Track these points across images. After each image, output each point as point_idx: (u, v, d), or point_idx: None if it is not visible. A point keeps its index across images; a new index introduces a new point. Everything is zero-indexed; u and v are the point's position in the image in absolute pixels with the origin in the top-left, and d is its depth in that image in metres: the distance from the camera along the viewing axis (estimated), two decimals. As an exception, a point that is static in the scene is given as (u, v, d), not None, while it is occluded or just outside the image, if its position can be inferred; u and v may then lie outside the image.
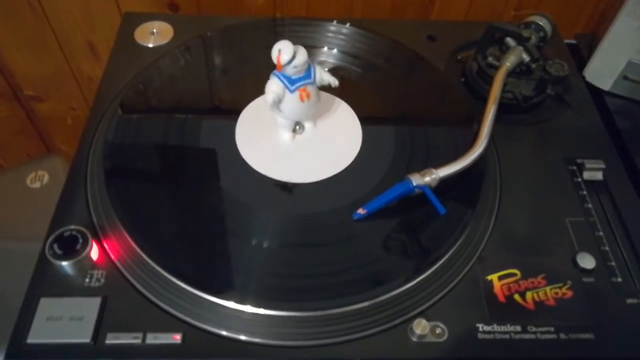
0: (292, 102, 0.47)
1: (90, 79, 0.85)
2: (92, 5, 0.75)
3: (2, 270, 0.68)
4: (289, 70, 0.45)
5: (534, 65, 0.54)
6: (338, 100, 0.55)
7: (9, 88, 0.85)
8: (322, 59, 0.59)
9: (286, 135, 0.51)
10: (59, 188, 0.48)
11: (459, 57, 0.61)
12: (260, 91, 0.55)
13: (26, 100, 0.88)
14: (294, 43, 0.45)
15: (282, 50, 0.44)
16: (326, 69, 0.49)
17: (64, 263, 0.40)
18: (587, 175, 0.50)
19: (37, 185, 0.77)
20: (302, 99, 0.47)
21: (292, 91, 0.46)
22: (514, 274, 0.44)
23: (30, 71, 0.83)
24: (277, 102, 0.47)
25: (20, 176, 0.77)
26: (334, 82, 0.49)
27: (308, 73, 0.47)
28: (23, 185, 0.77)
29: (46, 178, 0.78)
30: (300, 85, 0.47)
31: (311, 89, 0.47)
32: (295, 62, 0.45)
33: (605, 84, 0.61)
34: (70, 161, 0.50)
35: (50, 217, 0.45)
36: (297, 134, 0.52)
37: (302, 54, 0.45)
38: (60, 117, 0.91)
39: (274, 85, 0.46)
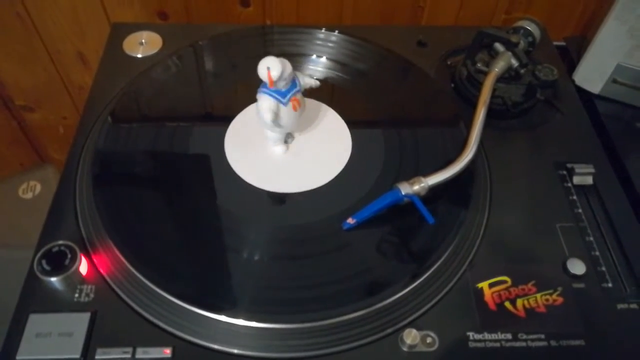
0: (287, 114, 0.47)
1: (80, 88, 0.85)
2: (81, 15, 0.75)
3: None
4: (279, 84, 0.45)
5: (522, 71, 0.54)
6: (327, 108, 0.55)
7: (0, 98, 0.85)
8: (311, 66, 0.59)
9: (280, 148, 0.51)
10: (51, 198, 0.48)
11: (449, 63, 0.61)
12: (250, 99, 0.55)
13: (17, 110, 0.88)
14: (284, 52, 0.45)
15: (271, 67, 0.43)
16: (305, 73, 0.49)
17: (53, 279, 0.40)
18: (577, 179, 0.51)
19: (29, 196, 0.77)
20: (295, 109, 0.47)
21: (285, 104, 0.46)
22: (505, 281, 0.44)
23: (21, 81, 0.83)
24: (276, 119, 0.46)
25: (12, 187, 0.78)
26: (315, 83, 0.49)
27: (294, 82, 0.47)
28: (15, 196, 0.77)
29: (38, 188, 0.78)
30: (292, 96, 0.46)
31: (300, 97, 0.47)
32: (284, 74, 0.44)
33: (595, 88, 0.61)
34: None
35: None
36: (288, 144, 0.51)
37: (287, 66, 0.45)
38: (52, 126, 0.91)
39: (266, 102, 0.46)
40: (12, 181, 0.78)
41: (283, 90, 0.46)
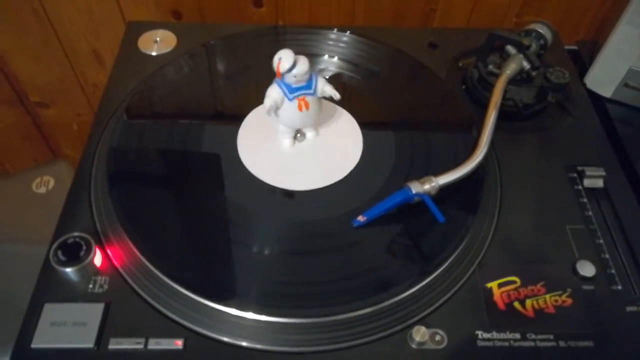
0: (290, 110, 0.48)
1: (95, 86, 0.86)
2: (96, 13, 0.76)
3: (9, 274, 0.69)
4: (289, 79, 0.46)
5: (534, 73, 0.54)
6: (339, 108, 0.55)
7: (15, 94, 0.86)
8: (323, 66, 0.60)
9: (286, 142, 0.51)
10: (65, 193, 0.48)
11: (460, 65, 0.62)
12: (262, 99, 0.56)
13: (32, 106, 0.89)
14: (296, 52, 0.45)
15: (283, 59, 0.44)
16: (328, 81, 0.49)
17: (68, 269, 0.41)
18: (587, 182, 0.51)
19: (42, 190, 0.78)
20: (300, 109, 0.47)
21: (290, 99, 0.47)
22: (514, 282, 0.44)
23: (36, 78, 0.84)
24: (274, 108, 0.48)
25: (25, 181, 0.78)
26: (335, 95, 0.49)
27: (309, 83, 0.47)
28: (29, 190, 0.78)
29: (52, 183, 0.79)
30: (299, 95, 0.47)
31: (310, 99, 0.48)
32: (295, 71, 0.45)
33: (607, 91, 0.61)
34: (75, 167, 0.51)
35: (55, 222, 0.46)
36: (297, 141, 0.52)
37: (303, 63, 0.45)
38: (66, 123, 0.92)
39: (272, 92, 0.47)
40: (26, 176, 0.79)
41: (293, 85, 0.46)
